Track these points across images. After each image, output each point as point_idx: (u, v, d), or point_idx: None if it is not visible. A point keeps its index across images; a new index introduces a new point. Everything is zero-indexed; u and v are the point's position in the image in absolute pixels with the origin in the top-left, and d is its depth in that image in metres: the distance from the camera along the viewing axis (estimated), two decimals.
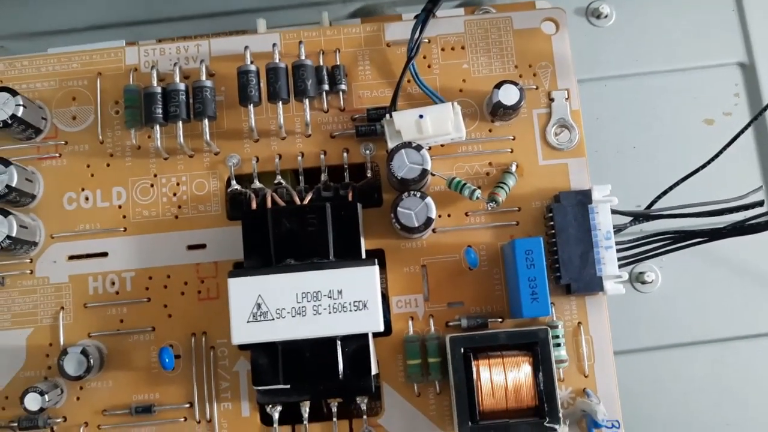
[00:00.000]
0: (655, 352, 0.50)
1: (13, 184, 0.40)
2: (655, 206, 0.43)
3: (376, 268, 0.39)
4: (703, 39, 0.53)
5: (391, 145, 0.41)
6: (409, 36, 0.43)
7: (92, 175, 0.43)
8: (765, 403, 0.50)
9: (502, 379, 0.39)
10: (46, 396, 0.40)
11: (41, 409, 0.40)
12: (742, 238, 0.45)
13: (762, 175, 0.50)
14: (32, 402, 0.40)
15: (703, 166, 0.42)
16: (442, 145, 0.43)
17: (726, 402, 0.50)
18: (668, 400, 0.50)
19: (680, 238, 0.41)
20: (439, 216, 0.42)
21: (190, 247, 0.43)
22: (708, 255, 0.51)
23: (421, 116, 0.41)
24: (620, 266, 0.41)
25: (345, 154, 0.43)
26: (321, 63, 0.43)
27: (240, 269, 0.40)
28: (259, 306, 0.39)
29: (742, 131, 0.42)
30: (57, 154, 0.43)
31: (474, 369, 0.39)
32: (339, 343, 0.39)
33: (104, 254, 0.43)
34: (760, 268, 0.50)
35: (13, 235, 0.40)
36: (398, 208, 0.40)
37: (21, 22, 0.53)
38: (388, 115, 0.42)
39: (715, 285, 0.50)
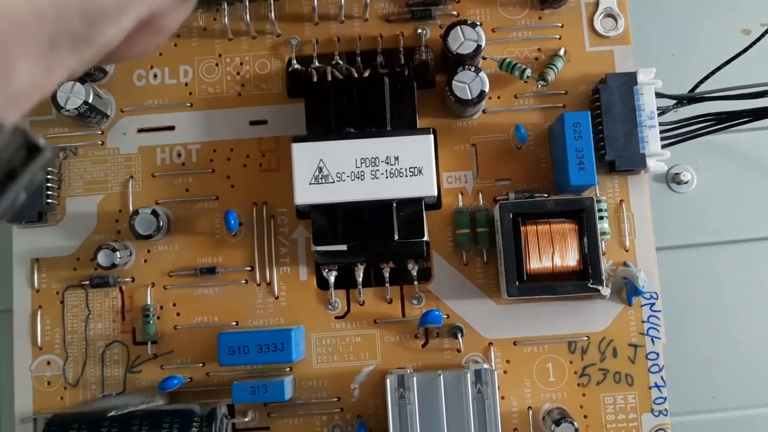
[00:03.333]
0: (690, 249, 0.52)
1: None
2: (699, 90, 0.45)
3: (431, 137, 0.41)
4: None
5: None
6: None
7: (160, 54, 0.45)
8: None
9: (549, 242, 0.41)
10: (117, 253, 0.42)
11: (113, 265, 0.43)
12: None
13: None
14: (104, 258, 0.43)
15: (746, 50, 0.44)
16: (493, 30, 0.45)
17: (757, 298, 0.52)
18: (701, 295, 0.51)
19: (724, 119, 0.43)
20: (489, 98, 0.45)
21: (252, 123, 0.45)
22: (742, 157, 0.52)
23: None
24: (664, 146, 0.43)
25: (401, 38, 0.45)
26: None
27: (303, 136, 0.42)
28: (320, 169, 0.41)
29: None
30: None
31: (522, 232, 0.41)
32: (395, 206, 0.41)
33: (171, 128, 0.45)
34: None
35: (90, 101, 0.42)
36: (453, 81, 0.42)
37: None
38: None
39: (750, 186, 0.52)
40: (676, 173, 0.53)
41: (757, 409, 0.50)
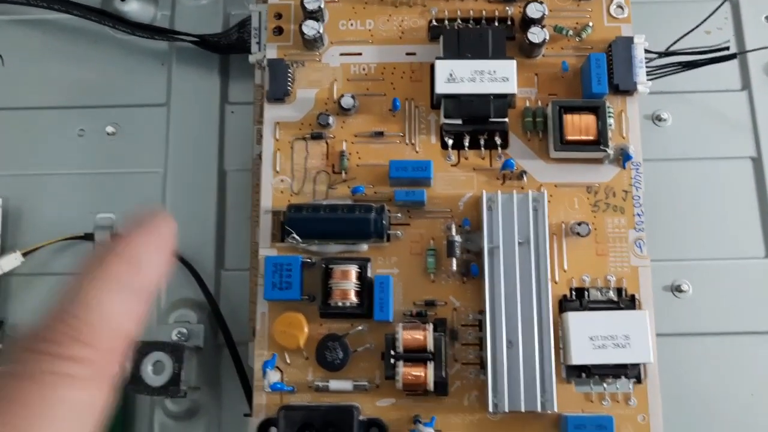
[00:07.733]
0: (665, 162, 0.82)
1: (321, 5, 0.75)
2: (671, 49, 0.76)
3: (514, 61, 0.73)
4: None
5: None
6: None
7: (355, 13, 0.78)
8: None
9: (579, 124, 0.72)
10: (330, 117, 0.73)
11: (327, 124, 0.73)
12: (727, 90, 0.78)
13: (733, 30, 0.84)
14: (323, 118, 0.74)
15: (699, 26, 0.76)
16: (551, 10, 0.76)
17: (704, 184, 0.82)
18: (681, 206, 0.81)
19: (684, 65, 0.75)
20: (547, 47, 0.76)
21: (407, 54, 0.76)
22: (703, 108, 0.83)
23: None
24: (648, 78, 0.74)
25: (496, 11, 0.77)
26: None
27: (441, 57, 0.73)
28: (451, 75, 0.72)
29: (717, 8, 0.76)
30: (337, 0, 0.78)
31: (564, 118, 0.72)
32: (491, 98, 0.72)
33: (359, 54, 0.77)
34: (735, 116, 0.83)
35: (321, 31, 0.74)
36: (528, 32, 0.73)
37: None
38: None
39: (706, 124, 0.83)
40: (659, 114, 0.84)
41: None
